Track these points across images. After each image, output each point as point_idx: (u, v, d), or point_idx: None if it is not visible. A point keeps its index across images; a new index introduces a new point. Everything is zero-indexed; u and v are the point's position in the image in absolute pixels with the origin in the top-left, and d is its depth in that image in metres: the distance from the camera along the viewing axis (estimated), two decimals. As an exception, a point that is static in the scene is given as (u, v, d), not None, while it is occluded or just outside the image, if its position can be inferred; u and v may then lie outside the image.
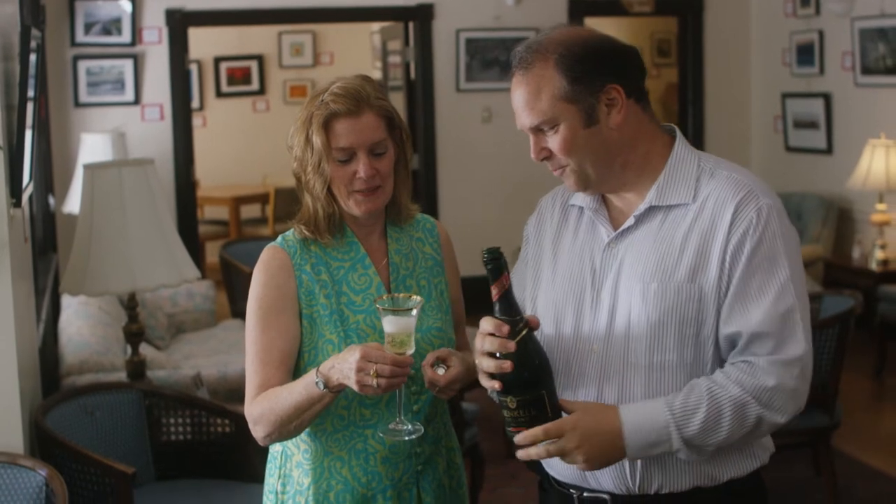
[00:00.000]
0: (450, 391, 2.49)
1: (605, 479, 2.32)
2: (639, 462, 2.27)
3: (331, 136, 2.52)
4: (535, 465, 2.46)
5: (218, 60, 12.58)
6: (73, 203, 7.28)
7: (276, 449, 2.68)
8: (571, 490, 2.38)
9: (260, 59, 12.77)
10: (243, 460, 4.31)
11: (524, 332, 2.19)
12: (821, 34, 8.91)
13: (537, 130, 2.31)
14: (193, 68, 11.25)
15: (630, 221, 2.32)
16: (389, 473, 2.57)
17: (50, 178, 7.74)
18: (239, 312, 7.52)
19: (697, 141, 9.64)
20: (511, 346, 2.17)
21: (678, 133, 2.39)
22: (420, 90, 9.42)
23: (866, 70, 8.42)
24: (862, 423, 6.53)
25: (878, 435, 6.52)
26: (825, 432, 5.10)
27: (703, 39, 9.87)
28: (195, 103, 11.62)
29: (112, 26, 8.66)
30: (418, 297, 2.43)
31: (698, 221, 2.26)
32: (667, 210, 2.29)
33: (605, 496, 2.33)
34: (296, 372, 2.55)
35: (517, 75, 2.31)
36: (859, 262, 7.90)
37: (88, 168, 4.55)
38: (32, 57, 3.90)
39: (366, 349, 2.34)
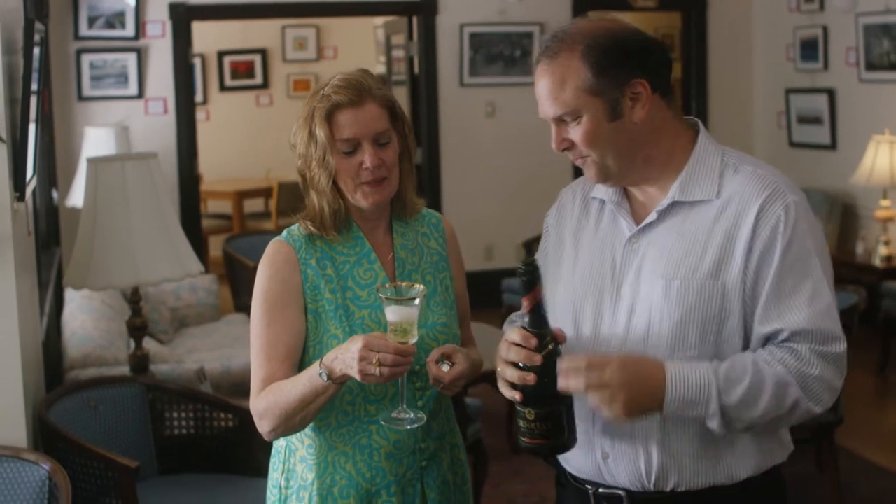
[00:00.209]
0: (454, 388, 2.49)
1: (621, 476, 2.31)
2: (655, 459, 2.26)
3: (334, 127, 2.51)
4: (552, 459, 2.45)
5: (221, 54, 12.57)
6: (76, 197, 7.28)
7: (279, 444, 2.67)
8: (587, 486, 2.37)
9: (263, 53, 12.76)
10: (247, 455, 4.31)
11: (551, 347, 2.17)
12: (825, 29, 8.90)
13: (560, 121, 2.27)
14: (197, 62, 11.23)
15: (652, 216, 2.30)
16: (394, 469, 2.56)
17: (53, 172, 7.74)
18: (242, 307, 7.52)
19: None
20: (537, 359, 2.16)
21: (701, 127, 2.37)
22: (423, 85, 9.41)
23: (870, 66, 8.41)
24: (865, 419, 6.53)
25: (881, 431, 6.52)
26: (828, 428, 5.09)
27: (706, 35, 9.86)
28: (199, 97, 11.60)
29: (115, 20, 8.65)
30: (421, 287, 2.42)
31: (722, 218, 2.24)
32: (690, 206, 2.28)
33: (620, 493, 2.32)
34: (301, 367, 2.54)
35: (542, 64, 2.27)
36: (863, 259, 7.89)
37: (92, 162, 4.54)
38: (36, 50, 3.90)
39: (368, 338, 2.34)
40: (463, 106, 9.43)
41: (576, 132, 2.26)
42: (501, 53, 9.39)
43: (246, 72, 12.72)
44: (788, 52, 9.40)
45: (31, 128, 3.98)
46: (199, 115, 10.91)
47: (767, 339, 2.22)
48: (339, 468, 2.56)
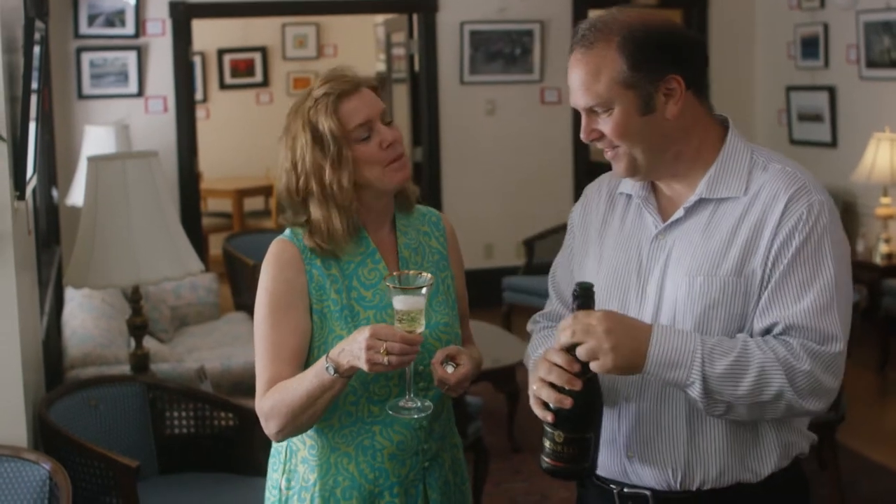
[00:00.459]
0: (460, 389, 2.48)
1: (647, 475, 2.30)
2: (682, 457, 2.25)
3: (344, 118, 2.49)
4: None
5: (221, 52, 12.56)
6: (76, 195, 7.28)
7: (280, 444, 2.64)
8: (612, 486, 2.36)
9: (263, 50, 12.75)
10: (247, 454, 4.31)
11: (591, 373, 2.16)
12: (825, 27, 8.89)
13: (591, 111, 2.25)
14: (197, 60, 11.22)
15: (679, 213, 2.29)
16: (396, 470, 2.55)
17: (53, 171, 7.73)
18: (242, 305, 7.51)
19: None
20: (578, 385, 2.14)
21: (731, 124, 2.35)
22: (424, 83, 9.40)
23: (871, 63, 8.40)
24: (866, 417, 6.52)
25: (882, 429, 6.52)
26: (830, 427, 5.08)
27: (707, 32, 9.84)
28: (199, 95, 11.60)
29: (116, 18, 8.65)
30: (429, 275, 2.41)
31: (749, 215, 2.22)
32: (717, 203, 2.26)
33: (646, 492, 2.31)
34: (305, 368, 2.51)
35: (577, 52, 2.24)
36: (863, 256, 7.87)
37: (92, 160, 4.54)
38: (36, 49, 3.89)
39: (375, 328, 2.33)
40: (463, 104, 9.43)
41: (606, 124, 2.23)
42: (502, 51, 9.38)
43: (246, 70, 12.71)
44: (789, 49, 9.39)
45: (32, 126, 3.98)
46: (199, 113, 10.91)
47: (764, 333, 2.21)
48: (342, 469, 2.55)
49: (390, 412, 2.48)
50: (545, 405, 2.17)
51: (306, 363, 2.52)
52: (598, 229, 2.44)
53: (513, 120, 9.47)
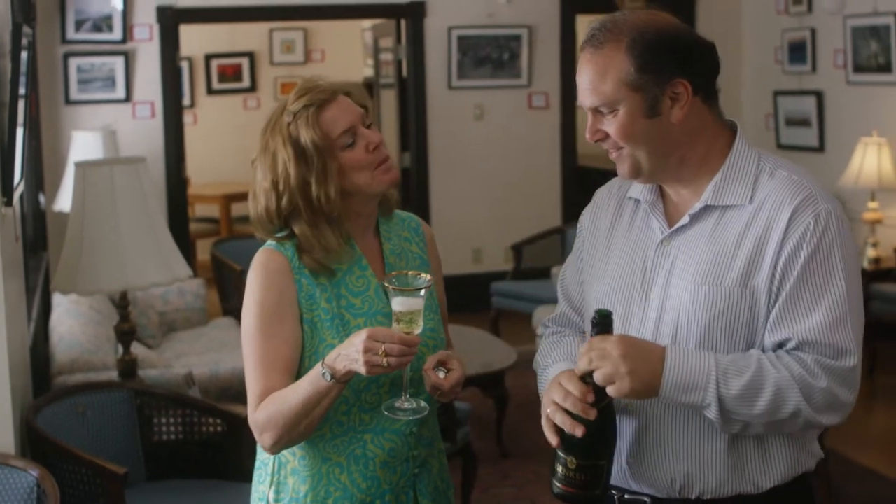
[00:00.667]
0: (452, 394, 2.47)
1: (647, 482, 2.30)
2: (682, 466, 2.24)
3: (327, 127, 2.48)
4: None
5: (209, 57, 12.55)
6: (63, 201, 7.26)
7: (266, 455, 2.60)
8: (613, 491, 2.35)
9: (251, 56, 12.75)
10: (235, 460, 4.30)
11: (606, 401, 2.15)
12: (813, 32, 8.91)
13: (596, 111, 2.25)
14: (184, 65, 11.21)
15: (685, 220, 2.28)
16: (388, 478, 2.54)
17: (40, 176, 7.71)
18: (230, 310, 7.50)
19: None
20: (592, 414, 2.13)
21: (739, 130, 2.35)
22: (412, 88, 9.40)
23: (858, 68, 8.42)
24: (854, 421, 6.49)
25: (870, 433, 6.53)
26: (819, 431, 5.08)
27: (694, 37, 9.84)
28: (186, 101, 11.57)
29: (103, 23, 8.62)
30: (428, 276, 2.40)
31: (754, 224, 2.21)
32: (723, 210, 2.25)
33: (645, 499, 2.31)
34: (297, 378, 2.48)
35: (587, 52, 2.24)
36: (851, 261, 7.88)
37: (80, 166, 4.53)
38: (23, 54, 3.88)
39: (372, 330, 2.31)
40: (451, 109, 9.42)
41: (611, 124, 2.23)
42: (490, 56, 9.38)
43: (233, 75, 12.70)
44: (776, 54, 9.42)
45: (19, 132, 3.97)
46: (187, 118, 10.88)
47: (777, 348, 2.19)
48: (334, 480, 2.52)
49: (386, 413, 2.46)
50: (556, 429, 2.17)
51: (297, 374, 2.49)
52: (606, 233, 2.43)
53: (501, 125, 9.47)
